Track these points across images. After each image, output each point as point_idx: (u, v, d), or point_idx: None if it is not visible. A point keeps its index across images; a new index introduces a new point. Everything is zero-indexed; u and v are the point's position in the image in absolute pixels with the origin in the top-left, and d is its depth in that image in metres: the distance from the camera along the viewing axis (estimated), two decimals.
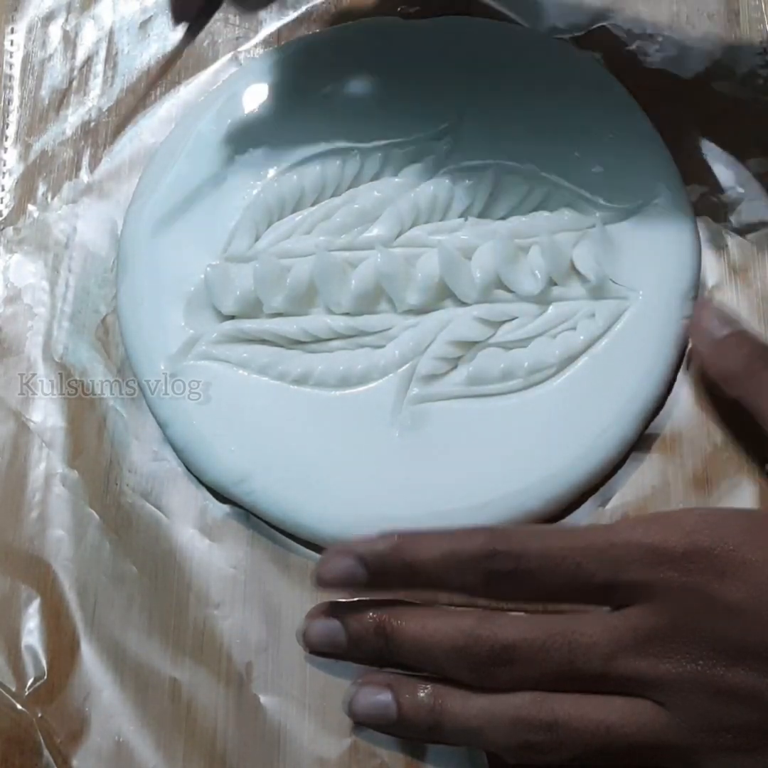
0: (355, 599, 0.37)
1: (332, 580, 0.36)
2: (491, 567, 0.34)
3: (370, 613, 0.36)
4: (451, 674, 0.35)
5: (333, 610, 0.37)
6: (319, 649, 0.37)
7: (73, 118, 0.48)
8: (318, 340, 0.41)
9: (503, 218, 0.43)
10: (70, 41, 0.49)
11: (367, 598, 0.37)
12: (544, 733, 0.33)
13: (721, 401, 0.41)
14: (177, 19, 0.43)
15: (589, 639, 0.34)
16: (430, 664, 0.35)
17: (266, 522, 0.40)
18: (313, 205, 0.43)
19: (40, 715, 0.38)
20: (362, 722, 0.36)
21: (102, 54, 0.48)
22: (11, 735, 0.38)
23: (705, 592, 0.33)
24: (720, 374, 0.40)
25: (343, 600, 0.37)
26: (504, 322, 0.41)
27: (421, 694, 0.35)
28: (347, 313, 0.42)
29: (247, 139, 0.45)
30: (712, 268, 0.43)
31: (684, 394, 0.41)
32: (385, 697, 0.35)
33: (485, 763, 0.36)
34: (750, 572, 0.33)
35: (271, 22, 0.48)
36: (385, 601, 0.36)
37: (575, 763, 0.34)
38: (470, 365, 0.41)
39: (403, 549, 0.35)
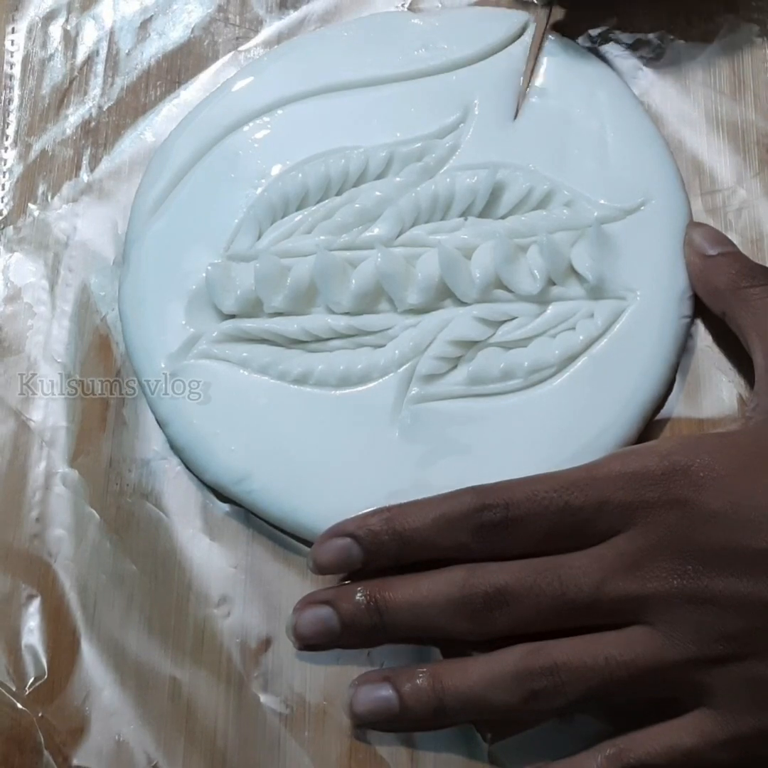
0: (340, 584, 0.37)
1: (329, 562, 0.37)
2: (481, 521, 0.35)
3: (359, 592, 0.36)
4: (450, 630, 0.35)
5: (320, 597, 0.37)
6: (312, 641, 0.37)
7: (73, 117, 0.47)
8: (318, 340, 0.42)
9: (503, 218, 0.43)
10: (70, 41, 0.49)
11: (349, 581, 0.37)
12: (547, 678, 0.34)
13: (720, 402, 0.41)
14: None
15: (578, 570, 0.34)
16: (428, 626, 0.36)
17: (266, 521, 0.40)
18: (317, 203, 0.43)
19: (40, 714, 0.38)
20: (366, 723, 0.36)
21: (102, 54, 0.48)
22: (11, 734, 0.38)
23: (685, 506, 0.34)
24: (706, 290, 0.41)
25: (327, 587, 0.37)
26: (504, 321, 0.41)
27: (419, 679, 0.35)
28: (347, 313, 0.42)
29: (251, 137, 0.45)
30: None
31: (683, 394, 0.41)
32: (385, 690, 0.36)
33: (484, 748, 0.36)
34: (726, 482, 0.34)
35: (271, 22, 0.48)
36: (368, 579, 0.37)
37: (583, 704, 0.34)
38: (470, 365, 0.41)
39: (394, 520, 0.36)
